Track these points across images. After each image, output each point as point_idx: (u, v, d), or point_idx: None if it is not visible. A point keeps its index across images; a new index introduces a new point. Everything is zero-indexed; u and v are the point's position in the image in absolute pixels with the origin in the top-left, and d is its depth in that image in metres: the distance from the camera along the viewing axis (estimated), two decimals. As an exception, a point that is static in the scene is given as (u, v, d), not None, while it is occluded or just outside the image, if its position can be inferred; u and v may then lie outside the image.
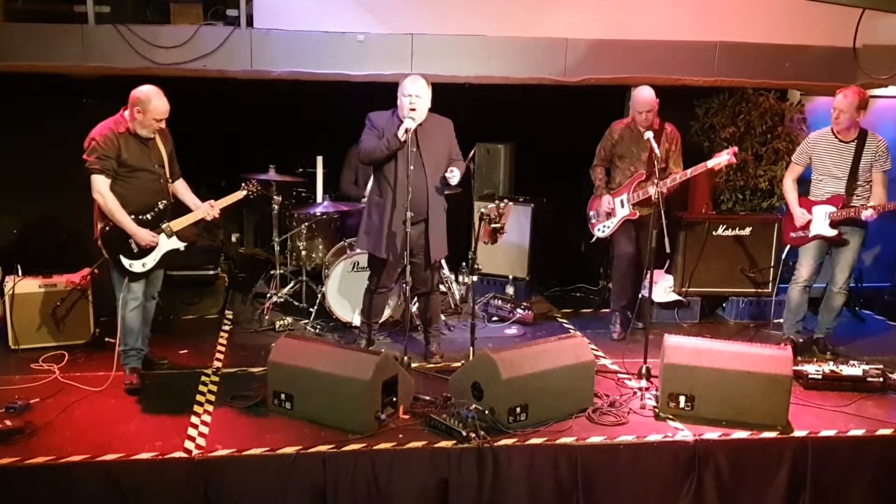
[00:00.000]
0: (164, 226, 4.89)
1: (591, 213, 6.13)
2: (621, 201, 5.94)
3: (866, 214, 5.37)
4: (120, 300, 4.87)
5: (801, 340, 5.80)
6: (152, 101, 4.73)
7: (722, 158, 5.58)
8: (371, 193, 5.42)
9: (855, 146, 5.46)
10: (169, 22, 6.21)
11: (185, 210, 5.03)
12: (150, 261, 4.87)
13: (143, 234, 4.78)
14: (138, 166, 4.79)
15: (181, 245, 4.98)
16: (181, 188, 5.13)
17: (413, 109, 5.03)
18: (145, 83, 4.80)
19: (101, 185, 4.69)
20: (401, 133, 5.01)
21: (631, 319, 6.09)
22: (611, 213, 5.99)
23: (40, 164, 6.36)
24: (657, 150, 5.34)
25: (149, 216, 4.84)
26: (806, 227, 5.62)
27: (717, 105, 7.01)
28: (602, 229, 6.07)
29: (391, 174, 5.19)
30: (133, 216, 4.77)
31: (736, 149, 5.70)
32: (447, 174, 5.21)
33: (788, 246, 6.02)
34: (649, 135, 5.44)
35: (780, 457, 4.41)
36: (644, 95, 5.78)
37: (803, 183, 5.82)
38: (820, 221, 5.55)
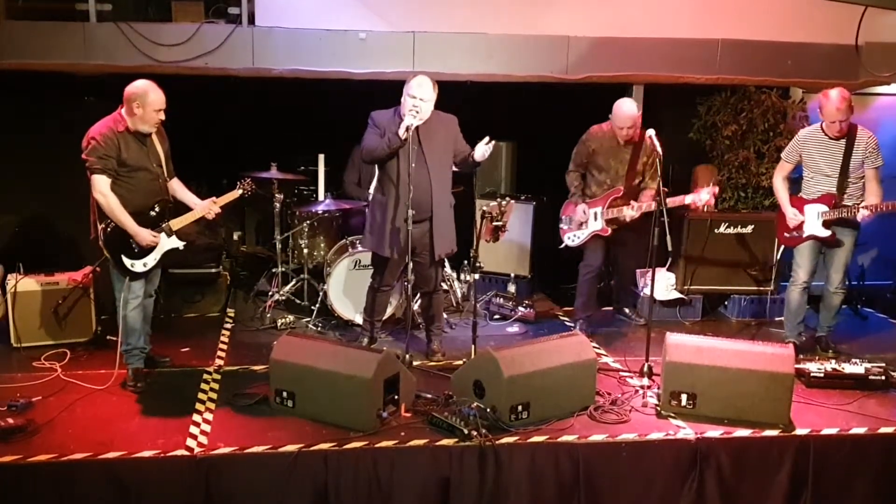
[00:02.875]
0: (164, 225, 4.86)
1: (564, 218, 6.08)
2: (595, 214, 5.89)
3: (861, 216, 5.34)
4: (121, 300, 4.85)
5: (803, 339, 5.79)
6: (150, 94, 4.68)
7: (702, 196, 5.55)
8: (374, 192, 5.43)
9: (845, 143, 5.40)
10: (171, 20, 6.22)
11: (184, 209, 5.00)
12: (151, 260, 4.85)
13: (144, 234, 4.75)
14: (138, 166, 4.75)
15: (181, 244, 4.95)
16: (177, 187, 5.08)
17: (415, 108, 5.02)
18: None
19: (102, 186, 4.66)
20: (401, 131, 5.00)
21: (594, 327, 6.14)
22: (583, 224, 5.95)
23: (42, 162, 6.35)
24: (658, 148, 5.31)
25: (148, 216, 4.81)
26: (799, 227, 5.59)
27: (720, 103, 7.01)
28: (572, 238, 6.02)
29: (393, 173, 5.19)
30: (133, 216, 4.73)
31: (717, 189, 5.68)
32: (474, 153, 5.16)
33: (784, 246, 5.99)
34: (651, 132, 5.40)
35: (782, 455, 4.40)
36: (625, 111, 5.70)
37: (793, 181, 5.78)
38: (813, 221, 5.51)
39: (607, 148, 5.85)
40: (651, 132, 5.37)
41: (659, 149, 5.27)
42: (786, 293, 5.88)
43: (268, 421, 4.47)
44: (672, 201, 5.48)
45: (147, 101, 4.68)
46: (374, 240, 5.35)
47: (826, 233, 5.49)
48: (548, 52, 6.49)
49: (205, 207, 4.98)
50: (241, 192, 5.13)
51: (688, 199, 5.60)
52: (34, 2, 6.30)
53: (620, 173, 5.86)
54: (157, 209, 4.85)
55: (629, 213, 5.75)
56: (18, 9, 6.22)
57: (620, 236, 6.01)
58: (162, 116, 4.79)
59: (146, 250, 4.81)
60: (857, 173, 5.44)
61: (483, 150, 5.16)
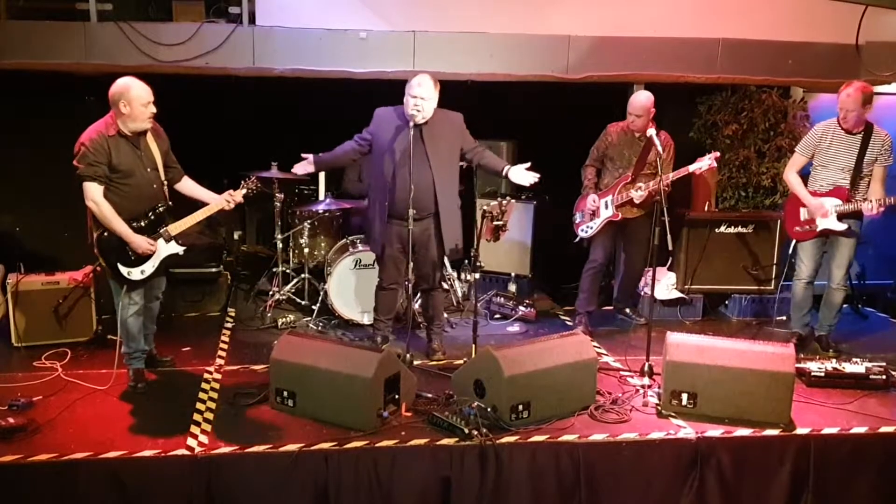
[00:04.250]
0: (161, 230, 4.76)
1: (577, 213, 6.12)
2: (606, 203, 5.93)
3: (866, 207, 5.35)
4: (119, 305, 4.79)
5: (809, 330, 5.83)
6: (133, 90, 4.54)
7: (704, 163, 5.57)
8: (369, 191, 5.46)
9: (861, 139, 5.43)
10: (171, 19, 6.21)
11: (192, 210, 4.90)
12: (149, 267, 4.75)
13: (140, 242, 4.64)
14: (130, 171, 4.62)
15: (180, 249, 4.84)
16: (190, 185, 5.00)
17: (417, 110, 5.03)
18: (147, 81, 4.72)
19: (94, 193, 4.54)
20: (296, 169, 5.47)
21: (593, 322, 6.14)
22: (595, 214, 5.98)
23: (43, 161, 6.35)
24: (659, 147, 5.32)
25: (144, 222, 4.70)
26: (812, 220, 5.59)
27: (720, 102, 7.00)
28: (586, 230, 6.06)
29: (389, 172, 5.20)
30: (129, 223, 4.63)
31: (718, 154, 5.69)
32: (510, 172, 5.28)
33: (795, 241, 5.96)
34: (652, 132, 5.43)
35: (783, 454, 4.40)
36: (639, 99, 5.78)
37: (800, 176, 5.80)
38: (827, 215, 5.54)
39: (624, 140, 5.91)
40: (652, 132, 5.39)
41: (660, 148, 5.29)
42: (791, 288, 5.93)
43: (268, 420, 4.48)
44: (677, 173, 5.57)
45: (131, 96, 4.54)
46: (367, 237, 5.53)
47: (842, 226, 5.49)
48: (548, 51, 6.49)
49: (221, 201, 4.89)
50: (245, 191, 5.02)
51: (691, 167, 5.60)
52: (35, 1, 6.30)
53: (633, 162, 5.90)
54: (153, 214, 4.75)
55: (636, 193, 5.77)
56: (19, 9, 6.22)
57: (630, 234, 6.03)
58: (152, 110, 4.65)
59: (143, 257, 4.71)
60: (868, 169, 5.47)
61: (521, 174, 5.24)
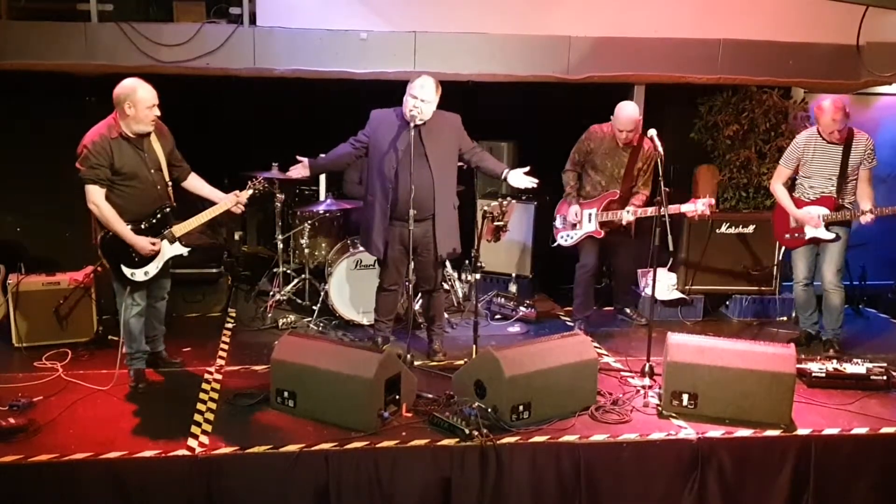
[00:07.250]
0: (165, 232, 4.75)
1: (558, 217, 6.09)
2: (589, 215, 5.89)
3: (865, 220, 5.39)
4: (122, 306, 4.79)
5: (818, 329, 5.85)
6: (139, 91, 4.54)
7: (698, 206, 5.54)
8: (366, 192, 5.44)
9: (843, 146, 5.47)
10: (172, 20, 6.22)
11: (195, 210, 4.87)
12: (153, 268, 4.74)
13: (143, 244, 4.63)
14: (134, 173, 4.62)
15: (184, 251, 4.84)
16: (197, 184, 4.97)
17: (416, 112, 5.01)
18: (148, 81, 4.71)
19: (95, 196, 4.54)
20: (291, 173, 5.50)
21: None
22: (577, 225, 5.95)
23: (43, 162, 6.36)
24: (660, 149, 5.28)
25: (147, 224, 4.70)
26: (800, 229, 5.64)
27: (721, 103, 7.01)
28: (565, 237, 6.03)
29: (391, 173, 5.18)
30: (132, 225, 4.62)
31: (713, 201, 5.65)
32: (509, 175, 5.32)
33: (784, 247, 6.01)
34: (652, 132, 5.37)
35: (784, 455, 4.41)
36: (626, 114, 5.70)
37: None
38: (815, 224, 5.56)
39: (606, 148, 5.85)
40: (652, 132, 5.36)
41: (661, 149, 5.26)
42: (793, 291, 5.97)
43: (269, 421, 4.48)
44: (669, 209, 5.46)
45: (137, 98, 4.54)
46: (364, 239, 5.44)
47: (830, 235, 5.53)
48: (549, 52, 6.49)
49: (229, 200, 4.86)
50: (251, 191, 4.99)
51: (683, 207, 5.58)
52: (36, 2, 6.31)
53: (616, 175, 5.85)
54: (157, 216, 4.74)
55: (626, 216, 5.74)
56: (20, 9, 6.23)
57: (613, 239, 6.00)
58: (157, 112, 4.64)
59: (147, 259, 4.70)
60: (853, 175, 5.51)
61: (520, 178, 5.27)
